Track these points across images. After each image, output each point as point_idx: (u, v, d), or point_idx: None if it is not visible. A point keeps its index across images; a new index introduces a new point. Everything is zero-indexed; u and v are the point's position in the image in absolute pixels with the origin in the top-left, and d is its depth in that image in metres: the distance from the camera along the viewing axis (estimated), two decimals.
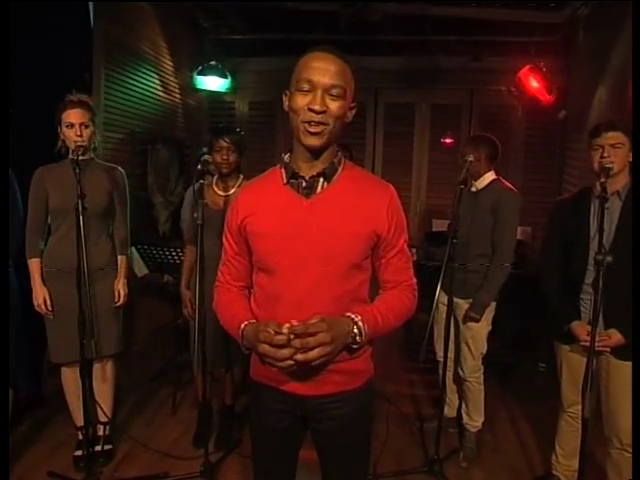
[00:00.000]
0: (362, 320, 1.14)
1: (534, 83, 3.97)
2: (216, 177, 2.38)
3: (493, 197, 2.29)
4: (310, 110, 1.09)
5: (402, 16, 3.91)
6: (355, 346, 1.15)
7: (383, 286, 1.28)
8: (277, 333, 1.06)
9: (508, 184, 2.38)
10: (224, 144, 2.26)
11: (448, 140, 4.61)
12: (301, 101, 1.10)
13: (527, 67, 3.97)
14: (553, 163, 4.50)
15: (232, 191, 2.33)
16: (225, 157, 2.26)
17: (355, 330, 1.13)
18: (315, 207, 1.16)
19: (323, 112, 1.09)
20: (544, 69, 3.93)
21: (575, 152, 4.08)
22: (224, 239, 1.28)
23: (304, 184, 1.17)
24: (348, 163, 1.23)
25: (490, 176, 2.36)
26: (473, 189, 2.40)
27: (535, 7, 3.72)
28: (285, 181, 1.19)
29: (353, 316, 1.14)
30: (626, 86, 3.06)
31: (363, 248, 1.18)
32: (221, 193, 2.33)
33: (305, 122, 1.10)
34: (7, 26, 1.86)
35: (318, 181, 1.18)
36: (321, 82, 1.09)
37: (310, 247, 1.14)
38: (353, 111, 1.19)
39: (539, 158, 4.53)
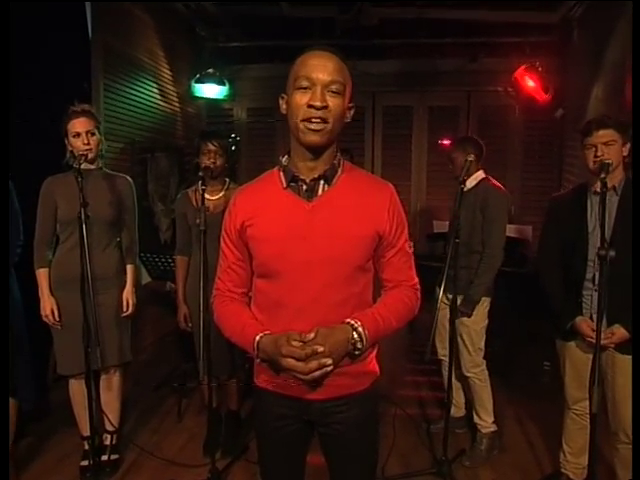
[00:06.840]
0: (362, 325, 1.13)
1: (530, 83, 4.00)
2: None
3: (481, 196, 2.35)
4: (310, 107, 1.08)
5: (398, 20, 3.95)
6: (357, 352, 1.14)
7: (384, 285, 1.27)
8: (302, 343, 1.07)
9: (496, 183, 2.43)
10: (212, 147, 2.27)
11: (446, 142, 4.62)
12: (300, 99, 1.09)
13: (523, 67, 4.00)
14: (552, 162, 4.51)
15: (218, 195, 2.33)
16: (212, 160, 2.26)
17: (355, 336, 1.12)
18: (317, 210, 1.15)
19: (324, 108, 1.08)
20: (540, 69, 3.95)
21: (573, 150, 4.09)
22: (223, 245, 1.25)
23: (305, 187, 1.16)
24: (347, 164, 1.22)
25: (479, 175, 2.41)
26: (463, 188, 2.42)
27: (529, 8, 3.75)
28: (285, 185, 1.17)
29: (352, 322, 1.13)
30: (622, 83, 3.08)
31: (367, 249, 1.17)
32: (207, 197, 2.27)
33: (305, 120, 1.09)
34: (7, 28, 1.85)
35: (319, 184, 1.17)
36: (320, 78, 1.09)
37: (314, 251, 1.13)
38: (352, 111, 1.18)
39: (537, 157, 4.55)
